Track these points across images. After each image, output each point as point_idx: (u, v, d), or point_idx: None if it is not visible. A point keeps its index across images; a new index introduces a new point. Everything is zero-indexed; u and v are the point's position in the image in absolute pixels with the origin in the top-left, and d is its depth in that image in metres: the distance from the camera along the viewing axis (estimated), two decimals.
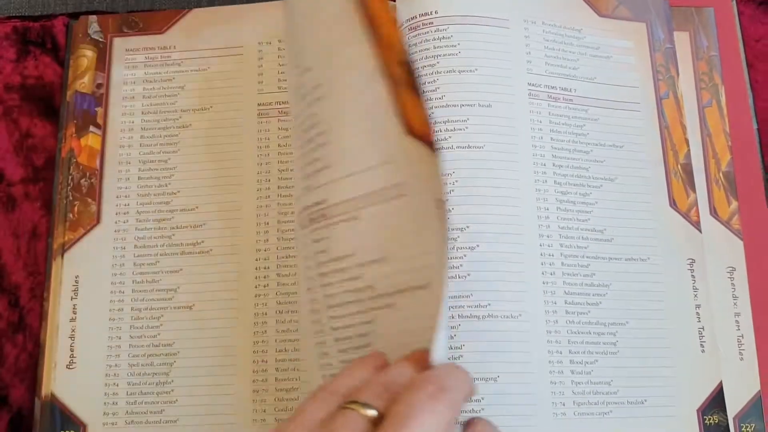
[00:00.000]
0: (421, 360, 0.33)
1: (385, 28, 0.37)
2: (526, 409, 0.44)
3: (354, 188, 0.38)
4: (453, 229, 0.45)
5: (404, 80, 0.36)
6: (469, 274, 0.45)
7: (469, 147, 0.47)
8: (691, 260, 0.48)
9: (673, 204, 0.49)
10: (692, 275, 0.48)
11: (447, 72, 0.48)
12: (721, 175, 0.50)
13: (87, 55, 0.53)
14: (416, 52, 0.49)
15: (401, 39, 0.37)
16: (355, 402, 0.30)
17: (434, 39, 0.49)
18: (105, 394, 0.47)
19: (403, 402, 0.30)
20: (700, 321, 0.47)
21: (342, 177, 0.38)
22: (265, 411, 0.46)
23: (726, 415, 0.46)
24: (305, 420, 0.30)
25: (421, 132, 0.35)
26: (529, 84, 0.49)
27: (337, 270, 0.39)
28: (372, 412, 0.30)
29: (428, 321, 0.33)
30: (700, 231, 0.49)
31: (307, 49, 0.41)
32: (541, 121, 0.49)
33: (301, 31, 0.42)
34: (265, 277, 0.49)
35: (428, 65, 0.49)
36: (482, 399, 0.43)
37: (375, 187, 0.37)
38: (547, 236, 0.47)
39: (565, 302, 0.46)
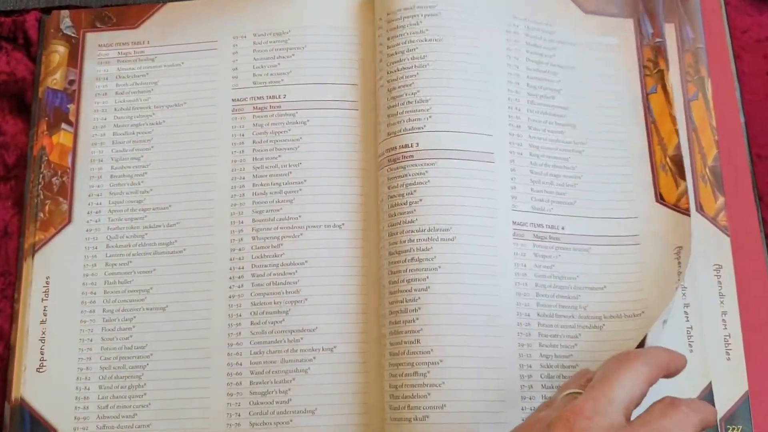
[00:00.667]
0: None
1: (666, 127, 0.49)
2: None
3: (593, 227, 0.47)
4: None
5: (670, 169, 0.49)
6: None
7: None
8: (678, 248, 0.47)
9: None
10: (679, 270, 0.47)
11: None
12: (707, 170, 0.49)
13: (59, 51, 0.52)
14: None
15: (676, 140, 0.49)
16: (571, 392, 0.36)
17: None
18: (76, 398, 0.46)
19: (599, 371, 0.36)
20: (688, 320, 0.46)
21: (583, 215, 0.47)
22: (239, 415, 0.45)
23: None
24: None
25: (671, 202, 0.48)
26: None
27: (556, 287, 0.46)
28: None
29: (631, 344, 0.43)
30: (689, 216, 0.47)
31: (574, 110, 0.49)
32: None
33: (570, 86, 0.49)
34: (239, 278, 0.47)
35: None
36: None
37: (612, 233, 0.47)
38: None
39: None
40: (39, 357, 0.47)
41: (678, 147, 0.49)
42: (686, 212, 0.48)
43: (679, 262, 0.47)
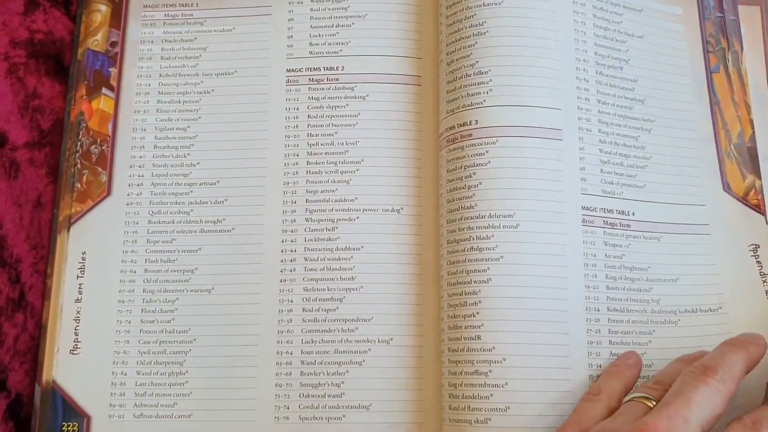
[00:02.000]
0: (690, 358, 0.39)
1: (729, 112, 0.47)
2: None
3: (663, 214, 0.44)
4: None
5: (735, 158, 0.46)
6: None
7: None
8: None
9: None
10: (758, 261, 0.44)
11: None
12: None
13: (101, 10, 0.49)
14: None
15: (739, 127, 0.47)
16: (638, 396, 0.35)
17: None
18: (112, 383, 0.43)
19: (674, 386, 0.34)
20: None
21: (652, 200, 0.44)
22: (288, 408, 0.42)
23: None
24: (583, 419, 0.36)
25: (740, 193, 0.46)
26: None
27: (627, 279, 0.42)
28: (652, 403, 0.34)
29: (711, 341, 0.40)
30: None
31: (642, 83, 0.46)
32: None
33: (638, 57, 0.46)
34: (291, 261, 0.44)
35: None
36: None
37: (681, 220, 0.44)
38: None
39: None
40: (73, 338, 0.44)
41: (742, 135, 0.46)
42: (758, 209, 0.45)
43: (759, 261, 0.44)
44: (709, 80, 0.47)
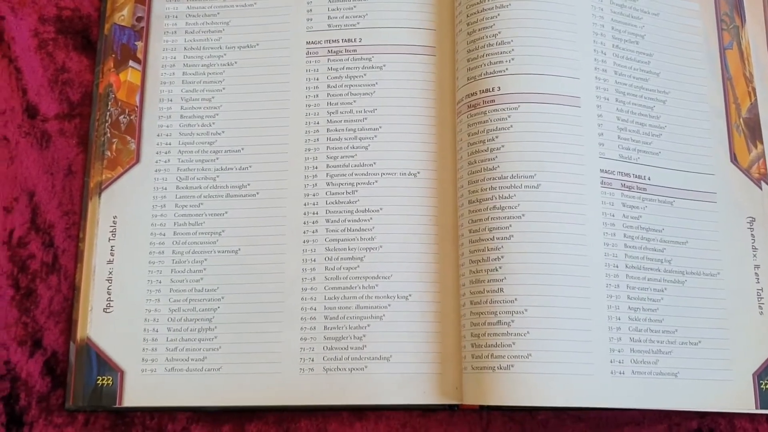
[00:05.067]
0: None
1: (740, 87, 0.49)
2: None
3: (676, 179, 0.47)
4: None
5: (743, 132, 0.48)
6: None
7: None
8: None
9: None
10: (752, 234, 0.46)
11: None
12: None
13: None
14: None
15: (751, 101, 0.49)
16: None
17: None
18: (144, 339, 0.45)
19: None
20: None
21: (666, 167, 0.47)
22: (312, 360, 0.44)
23: None
24: None
25: (744, 166, 0.48)
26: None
27: (644, 239, 0.45)
28: None
29: (710, 304, 0.45)
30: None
31: (657, 58, 0.48)
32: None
33: (653, 33, 0.49)
34: (314, 223, 0.46)
35: None
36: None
37: (692, 187, 0.47)
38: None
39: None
40: (106, 297, 0.46)
41: (751, 110, 0.48)
42: (758, 183, 0.47)
43: (753, 234, 0.46)
44: (722, 56, 0.49)
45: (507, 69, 0.45)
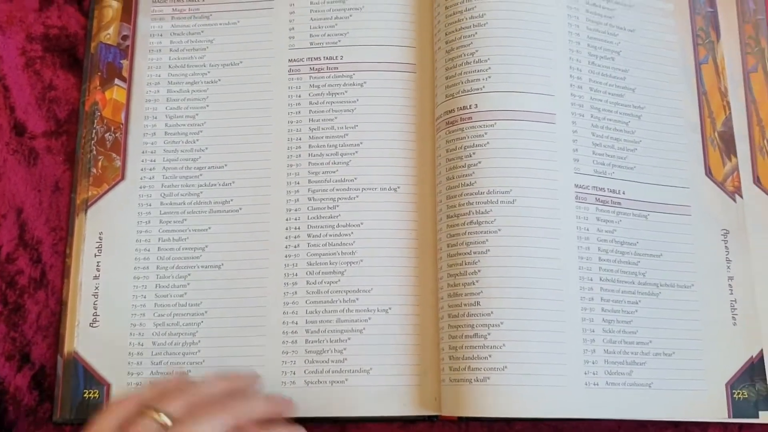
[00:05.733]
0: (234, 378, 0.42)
1: (715, 101, 0.50)
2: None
3: (650, 193, 0.48)
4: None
5: (718, 145, 0.49)
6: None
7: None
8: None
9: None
10: (726, 246, 0.47)
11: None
12: (765, 142, 0.49)
13: (112, 6, 0.52)
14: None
15: (726, 115, 0.50)
16: (152, 408, 0.36)
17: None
18: (129, 353, 0.46)
19: (192, 410, 0.36)
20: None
21: (641, 181, 0.48)
22: (294, 373, 0.45)
23: (767, 386, 0.45)
24: (105, 425, 0.36)
25: (719, 179, 0.49)
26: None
27: (618, 252, 0.46)
28: (165, 419, 0.35)
29: (684, 315, 0.46)
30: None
31: (633, 73, 0.49)
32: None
33: (629, 49, 0.50)
34: (295, 237, 0.47)
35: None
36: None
37: (667, 201, 0.48)
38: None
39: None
40: (92, 312, 0.47)
41: (726, 123, 0.49)
42: (732, 195, 0.48)
43: (727, 246, 0.47)
44: (697, 71, 0.50)
45: (484, 87, 0.46)
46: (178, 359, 0.46)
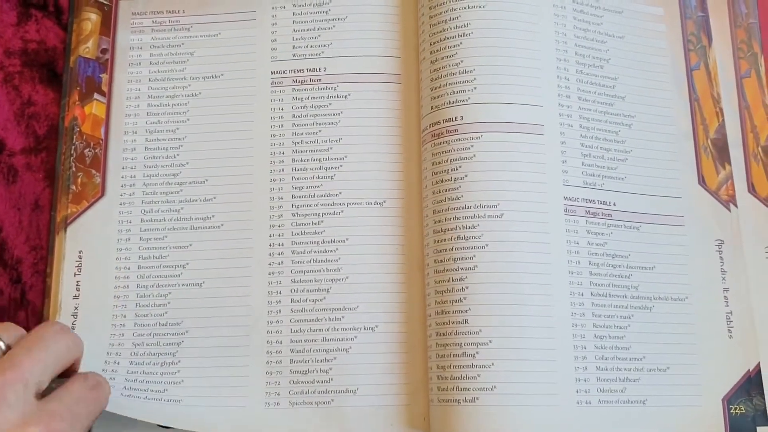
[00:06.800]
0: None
1: (708, 108, 0.48)
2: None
3: (642, 204, 0.46)
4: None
5: (711, 153, 0.48)
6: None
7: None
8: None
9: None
10: (720, 257, 0.46)
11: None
12: (759, 149, 0.48)
13: (91, 19, 0.51)
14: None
15: (719, 122, 0.48)
16: None
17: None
18: (103, 370, 0.45)
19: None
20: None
21: (633, 192, 0.46)
22: (279, 394, 0.44)
23: (764, 401, 0.44)
24: None
25: (713, 188, 0.47)
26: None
27: (609, 265, 0.44)
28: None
29: (678, 329, 0.45)
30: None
31: (622, 81, 0.48)
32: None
33: (618, 56, 0.49)
34: (279, 254, 0.46)
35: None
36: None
37: (659, 211, 0.46)
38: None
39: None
40: None
41: (719, 131, 0.48)
42: (727, 204, 0.47)
43: (722, 257, 0.46)
44: (689, 78, 0.49)
45: (469, 98, 0.44)
46: (156, 378, 0.45)
